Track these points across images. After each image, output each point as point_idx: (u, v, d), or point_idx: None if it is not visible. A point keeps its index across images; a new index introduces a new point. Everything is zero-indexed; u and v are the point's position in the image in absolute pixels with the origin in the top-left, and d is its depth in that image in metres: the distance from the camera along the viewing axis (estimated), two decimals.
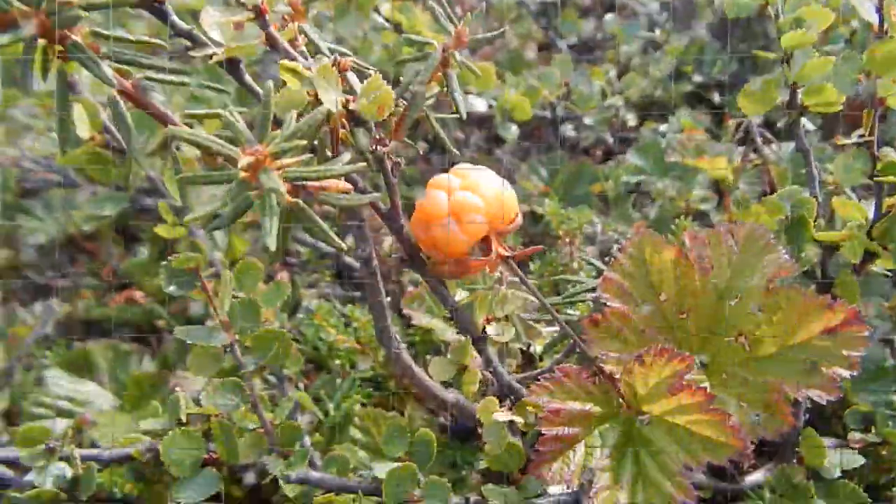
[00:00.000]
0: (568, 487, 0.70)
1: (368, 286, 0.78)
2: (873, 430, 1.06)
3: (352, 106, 0.60)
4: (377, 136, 0.64)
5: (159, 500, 1.08)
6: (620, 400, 0.77)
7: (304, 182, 0.52)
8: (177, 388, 1.11)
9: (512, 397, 0.79)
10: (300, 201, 0.53)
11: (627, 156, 1.81)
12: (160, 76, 0.61)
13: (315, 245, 1.52)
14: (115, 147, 0.96)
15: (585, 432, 0.74)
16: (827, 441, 1.08)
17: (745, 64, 2.25)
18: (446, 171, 0.78)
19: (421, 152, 1.96)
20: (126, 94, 0.60)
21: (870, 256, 0.90)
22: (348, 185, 0.56)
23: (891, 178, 0.85)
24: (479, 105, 1.54)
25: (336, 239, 0.55)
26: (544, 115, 1.93)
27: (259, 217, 1.34)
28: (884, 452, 1.06)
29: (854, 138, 0.89)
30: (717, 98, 2.22)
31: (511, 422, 0.81)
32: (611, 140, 2.12)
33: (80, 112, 0.89)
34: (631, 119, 2.18)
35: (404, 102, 0.75)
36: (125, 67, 0.62)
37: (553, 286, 1.34)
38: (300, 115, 0.55)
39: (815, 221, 0.94)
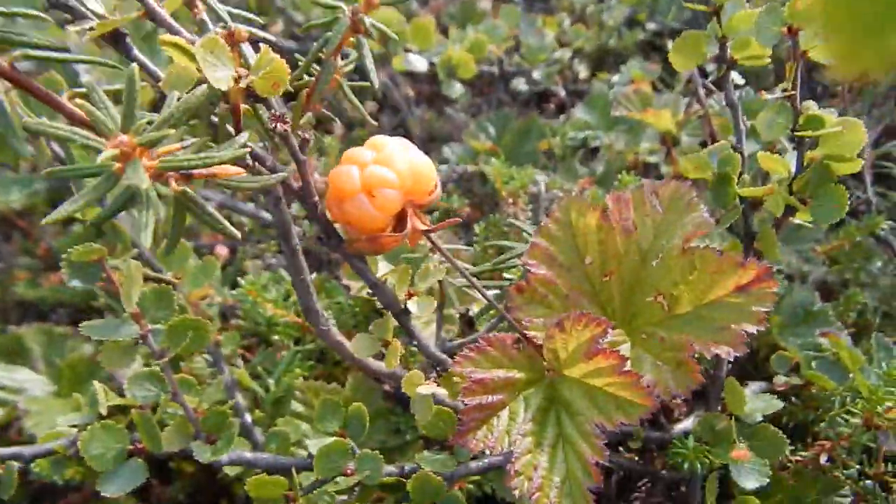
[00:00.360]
0: (490, 453, 0.71)
1: (290, 264, 0.77)
2: (799, 374, 1.11)
3: (243, 83, 0.57)
4: (276, 114, 0.61)
5: None
6: (544, 364, 0.78)
7: (189, 171, 0.50)
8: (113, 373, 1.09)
9: (439, 368, 0.80)
10: (187, 189, 0.51)
11: (575, 111, 1.80)
12: (40, 53, 0.57)
13: (257, 215, 1.49)
14: None
15: (510, 398, 0.76)
16: (755, 385, 1.13)
17: (699, 12, 2.22)
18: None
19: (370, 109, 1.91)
20: (3, 75, 0.56)
21: (791, 210, 0.91)
22: (238, 170, 0.54)
23: (810, 133, 0.86)
24: (419, 64, 1.49)
25: (229, 227, 0.53)
26: (492, 70, 1.89)
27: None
28: (813, 391, 1.11)
29: (778, 92, 0.89)
30: (671, 46, 2.20)
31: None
32: (563, 93, 2.09)
33: None
34: (583, 71, 2.16)
35: (317, 70, 0.72)
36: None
37: (498, 251, 1.34)
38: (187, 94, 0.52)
39: (740, 176, 0.94)
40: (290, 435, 0.98)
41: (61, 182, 1.24)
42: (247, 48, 0.63)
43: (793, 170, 0.91)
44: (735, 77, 1.01)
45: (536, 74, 1.90)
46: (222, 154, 0.50)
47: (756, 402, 0.98)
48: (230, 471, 0.91)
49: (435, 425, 0.86)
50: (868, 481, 0.99)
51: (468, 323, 1.16)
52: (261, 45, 0.59)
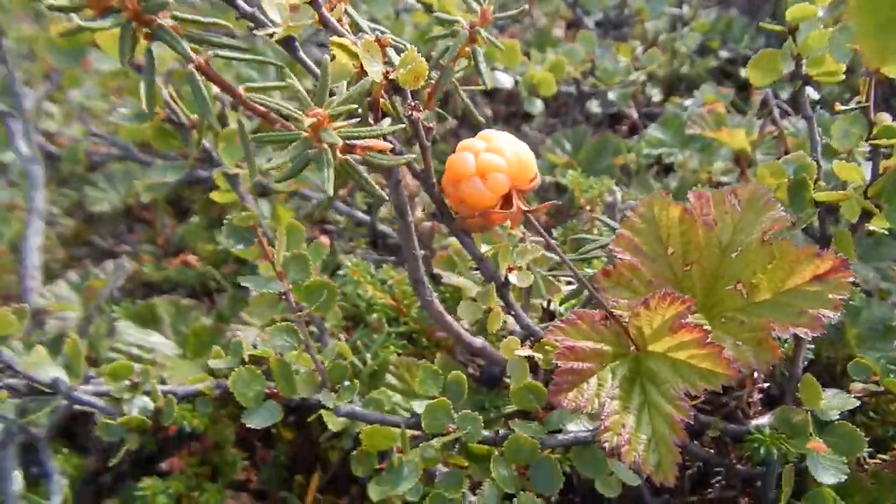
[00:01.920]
0: (582, 411, 0.79)
1: (403, 236, 0.88)
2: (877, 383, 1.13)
3: (391, 76, 0.70)
4: (412, 103, 0.73)
5: (220, 435, 1.22)
6: (629, 340, 0.86)
7: (354, 141, 0.62)
8: (233, 338, 1.24)
9: (532, 338, 0.89)
10: (349, 158, 0.64)
11: (649, 129, 1.88)
12: (227, 53, 0.71)
13: (351, 213, 1.64)
14: (175, 121, 1.08)
15: (598, 367, 0.84)
16: (832, 391, 1.16)
17: (772, 38, 2.27)
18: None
19: (451, 125, 2.05)
20: (199, 70, 0.70)
21: (866, 215, 0.96)
22: (389, 145, 0.66)
23: (885, 142, 0.92)
24: (506, 81, 1.61)
25: (378, 190, 0.65)
26: (569, 90, 2.00)
27: (300, 189, 1.45)
28: (892, 407, 1.13)
29: (853, 105, 0.96)
30: (743, 73, 2.26)
31: (534, 364, 0.91)
32: (636, 115, 2.18)
33: (146, 90, 1.00)
34: (656, 95, 2.23)
35: (436, 76, 0.84)
36: (197, 46, 0.73)
37: (574, 248, 1.43)
38: (349, 85, 0.65)
39: (815, 183, 1.00)
40: (385, 403, 1.09)
41: (190, 175, 1.41)
42: (390, 51, 0.76)
43: (868, 178, 0.97)
44: (810, 92, 1.07)
45: (612, 95, 1.99)
46: (381, 129, 0.62)
47: (832, 400, 1.01)
48: (335, 426, 1.01)
49: (525, 397, 0.95)
50: None
51: (550, 316, 1.25)
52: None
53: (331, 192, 0.57)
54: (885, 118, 0.93)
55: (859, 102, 0.94)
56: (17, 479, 1.18)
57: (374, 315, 1.23)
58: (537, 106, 1.70)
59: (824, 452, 0.97)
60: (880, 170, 0.95)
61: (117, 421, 0.87)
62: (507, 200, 0.81)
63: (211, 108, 0.70)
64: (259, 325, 1.27)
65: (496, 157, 0.79)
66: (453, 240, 1.41)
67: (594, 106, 2.09)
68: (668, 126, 1.84)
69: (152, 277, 1.55)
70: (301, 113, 0.58)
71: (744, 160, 1.76)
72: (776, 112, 1.62)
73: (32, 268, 1.28)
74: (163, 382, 1.13)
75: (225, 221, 0.87)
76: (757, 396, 1.17)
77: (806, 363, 1.09)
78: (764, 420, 1.10)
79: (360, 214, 1.64)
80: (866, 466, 1.06)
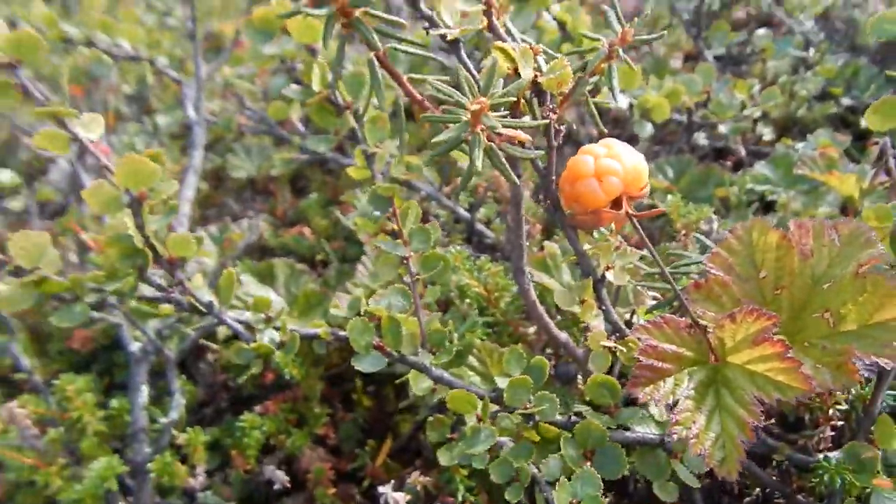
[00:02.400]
0: (656, 405, 0.86)
1: (514, 226, 0.98)
2: None
3: (539, 79, 0.80)
4: (549, 106, 0.83)
5: (310, 390, 1.37)
6: (710, 350, 0.92)
7: (503, 131, 0.73)
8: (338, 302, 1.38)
9: (617, 335, 0.96)
10: (493, 145, 0.75)
11: (756, 166, 1.88)
12: (404, 47, 0.84)
13: (454, 209, 1.76)
14: (333, 101, 1.24)
15: (676, 369, 0.90)
16: None
17: None
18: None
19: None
20: (378, 58, 0.83)
21: None
22: (529, 138, 0.77)
23: None
24: (622, 101, 1.68)
25: (512, 174, 0.76)
26: (681, 119, 2.03)
27: (411, 179, 1.58)
28: None
29: None
30: (864, 123, 2.19)
31: (611, 366, 0.98)
32: (743, 152, 2.17)
33: (318, 71, 1.16)
34: (767, 134, 2.22)
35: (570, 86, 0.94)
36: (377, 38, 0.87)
37: (667, 265, 1.47)
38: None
39: None
40: (465, 380, 1.19)
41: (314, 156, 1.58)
42: (539, 58, 0.86)
43: None
44: None
45: (723, 128, 2.00)
46: (527, 122, 0.73)
47: None
48: (419, 391, 1.12)
49: (599, 391, 1.02)
50: None
51: (629, 328, 1.31)
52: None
53: (479, 167, 0.68)
54: None
55: None
56: (144, 393, 1.37)
57: (467, 301, 1.34)
58: (647, 130, 1.75)
59: (889, 489, 0.98)
60: None
61: (250, 346, 1.02)
62: (616, 204, 0.89)
63: (383, 93, 0.83)
64: (364, 294, 1.40)
65: (614, 162, 0.88)
66: (548, 244, 1.50)
67: (701, 138, 2.11)
68: (776, 164, 1.84)
69: (270, 242, 1.74)
70: (467, 100, 0.70)
71: (851, 208, 1.73)
72: (892, 161, 1.59)
73: (183, 215, 1.49)
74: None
75: (369, 190, 0.99)
76: (829, 433, 1.17)
77: (887, 409, 1.09)
78: (833, 454, 1.11)
79: (461, 211, 1.76)
80: None
